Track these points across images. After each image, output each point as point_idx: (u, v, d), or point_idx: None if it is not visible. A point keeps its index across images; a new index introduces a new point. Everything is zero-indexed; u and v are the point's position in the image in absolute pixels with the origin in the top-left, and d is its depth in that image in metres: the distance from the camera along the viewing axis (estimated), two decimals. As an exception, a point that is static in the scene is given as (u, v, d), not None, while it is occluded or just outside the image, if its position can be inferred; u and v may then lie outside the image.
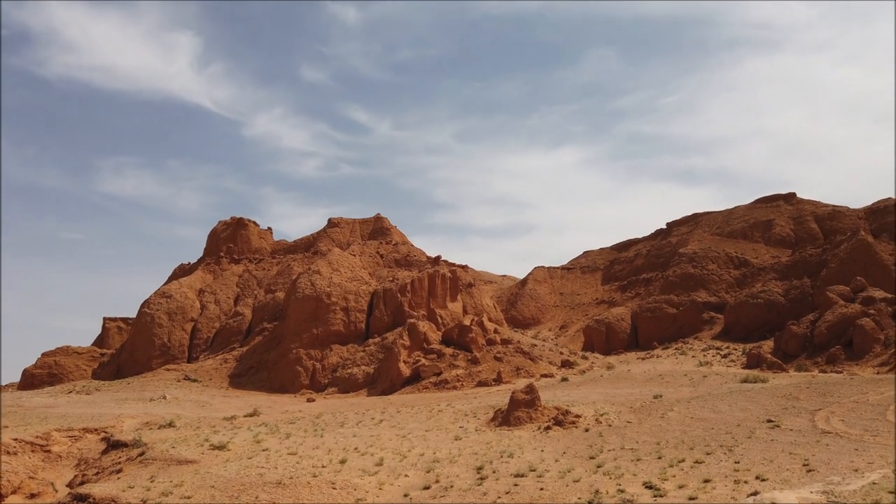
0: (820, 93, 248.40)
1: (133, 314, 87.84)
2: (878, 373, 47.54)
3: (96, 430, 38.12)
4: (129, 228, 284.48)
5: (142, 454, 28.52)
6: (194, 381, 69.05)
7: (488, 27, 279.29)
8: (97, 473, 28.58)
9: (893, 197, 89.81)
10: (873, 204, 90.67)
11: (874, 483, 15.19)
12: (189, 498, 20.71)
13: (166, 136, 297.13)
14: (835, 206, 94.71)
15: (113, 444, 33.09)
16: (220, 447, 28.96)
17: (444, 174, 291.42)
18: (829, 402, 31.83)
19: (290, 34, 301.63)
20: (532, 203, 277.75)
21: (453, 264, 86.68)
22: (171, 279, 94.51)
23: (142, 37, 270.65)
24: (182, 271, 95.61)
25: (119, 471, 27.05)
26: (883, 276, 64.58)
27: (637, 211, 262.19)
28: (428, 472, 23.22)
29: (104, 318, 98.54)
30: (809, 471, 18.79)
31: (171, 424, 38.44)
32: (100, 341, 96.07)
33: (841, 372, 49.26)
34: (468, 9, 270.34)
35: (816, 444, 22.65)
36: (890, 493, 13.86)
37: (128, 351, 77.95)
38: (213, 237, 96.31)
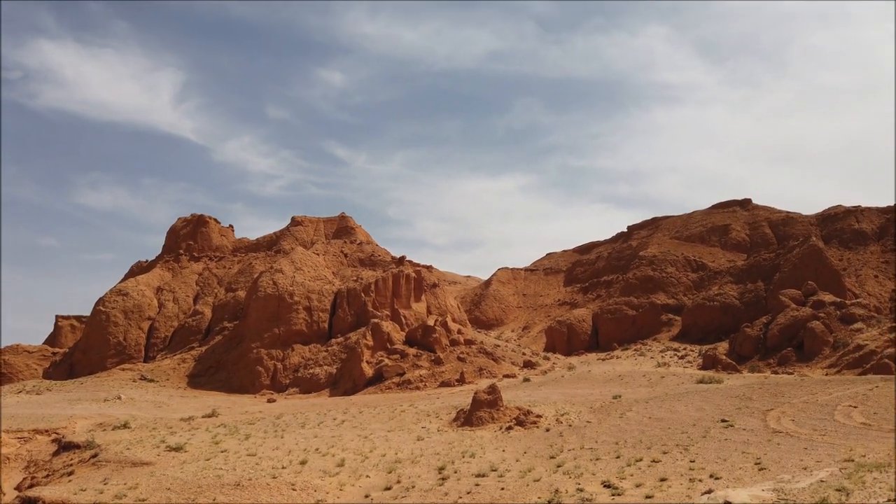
0: (720, 137, 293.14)
1: (88, 313, 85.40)
2: (826, 374, 49.25)
3: (47, 431, 36.93)
4: (101, 236, 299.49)
5: (95, 456, 27.75)
6: (151, 381, 67.47)
7: (430, 81, 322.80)
8: (47, 476, 27.71)
9: (843, 205, 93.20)
10: (824, 211, 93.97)
11: (822, 481, 15.74)
12: (144, 500, 20.25)
13: (142, 158, 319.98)
14: (788, 212, 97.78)
15: (64, 446, 32.13)
16: (177, 448, 28.38)
17: (397, 195, 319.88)
18: (781, 402, 32.83)
19: (266, 80, 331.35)
20: (479, 221, 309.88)
21: (418, 265, 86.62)
22: (127, 277, 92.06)
23: (129, 75, 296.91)
24: (139, 269, 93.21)
25: (70, 473, 26.28)
26: (832, 280, 66.93)
27: (576, 227, 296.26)
28: (389, 472, 23.17)
29: (57, 317, 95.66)
30: (761, 469, 19.36)
31: (125, 425, 37.49)
32: (52, 340, 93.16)
33: (792, 373, 50.87)
34: (413, 64, 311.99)
35: (768, 444, 23.34)
36: (837, 490, 14.37)
37: (81, 350, 75.72)
38: (173, 234, 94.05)
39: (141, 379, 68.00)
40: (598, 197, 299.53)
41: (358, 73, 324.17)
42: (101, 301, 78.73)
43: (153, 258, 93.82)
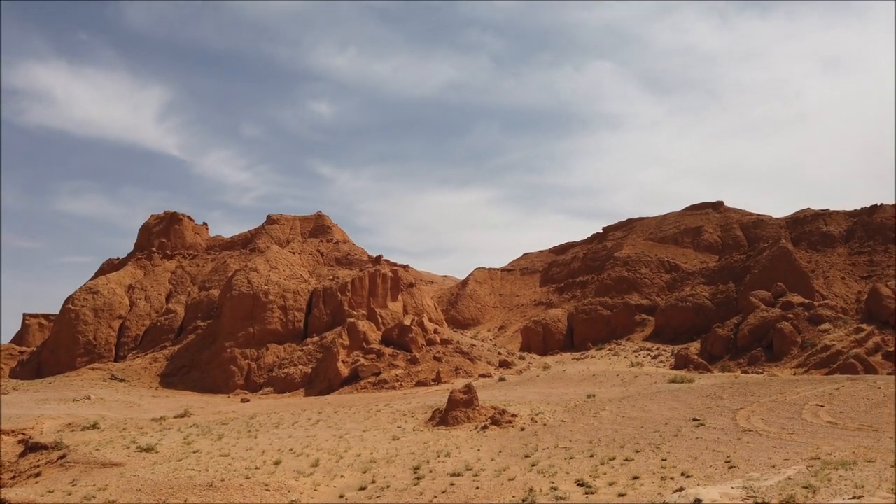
0: (665, 158, 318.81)
1: (57, 311, 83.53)
2: (795, 374, 50.28)
3: (13, 431, 36.10)
4: (79, 240, 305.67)
5: (63, 457, 27.20)
6: (121, 380, 66.33)
7: (396, 107, 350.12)
8: (13, 477, 27.09)
9: (812, 208, 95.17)
10: (794, 214, 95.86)
11: (790, 479, 16.08)
12: (113, 502, 19.90)
13: (125, 170, 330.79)
14: (759, 214, 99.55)
15: (31, 447, 31.40)
16: (148, 449, 27.96)
17: (366, 206, 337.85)
18: (750, 401, 33.44)
19: (241, 103, 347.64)
20: (446, 230, 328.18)
21: (395, 264, 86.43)
22: (98, 275, 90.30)
23: (115, 96, 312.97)
24: (111, 267, 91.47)
25: (38, 474, 25.73)
26: (801, 282, 68.31)
27: (539, 234, 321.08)
28: (364, 472, 23.11)
29: (24, 315, 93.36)
30: (731, 467, 19.71)
31: (95, 426, 36.82)
32: (19, 339, 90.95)
33: (761, 373, 51.83)
34: (380, 92, 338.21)
35: (738, 442, 23.76)
36: (804, 488, 14.69)
37: (50, 349, 74.13)
38: (145, 231, 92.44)
39: (111, 378, 66.81)
40: (556, 209, 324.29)
41: (328, 97, 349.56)
42: (70, 299, 77.15)
43: (125, 256, 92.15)
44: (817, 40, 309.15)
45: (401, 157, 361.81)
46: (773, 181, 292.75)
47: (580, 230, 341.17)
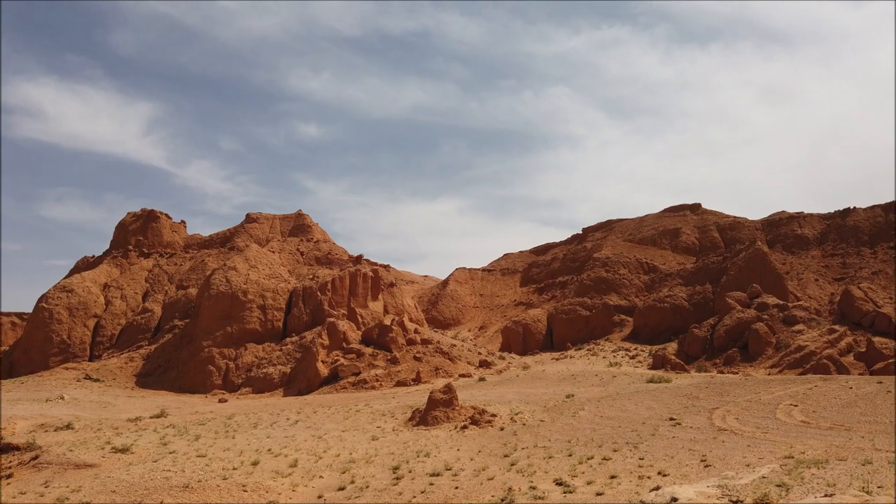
0: (623, 173, 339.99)
1: (31, 310, 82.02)
2: (769, 374, 51.09)
3: (-17, 433, 35.35)
4: (59, 243, 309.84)
5: (35, 458, 26.72)
6: (96, 380, 65.30)
7: (369, 125, 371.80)
8: (-17, 480, 26.54)
9: (787, 211, 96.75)
10: (769, 216, 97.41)
11: (764, 477, 16.34)
12: (88, 504, 19.63)
13: (109, 179, 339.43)
14: (735, 217, 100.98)
15: (3, 448, 30.78)
16: (123, 450, 27.57)
17: (342, 215, 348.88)
18: (726, 401, 33.91)
19: (222, 119, 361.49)
20: (419, 236, 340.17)
21: (375, 264, 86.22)
22: (72, 272, 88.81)
23: (104, 112, 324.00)
24: (85, 265, 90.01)
25: (10, 476, 25.25)
26: (776, 283, 69.43)
27: (509, 240, 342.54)
28: (343, 472, 23.03)
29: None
30: (707, 466, 19.98)
31: (69, 426, 36.23)
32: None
33: (737, 373, 52.57)
34: (352, 111, 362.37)
35: (713, 441, 24.09)
36: (777, 486, 14.94)
37: (22, 348, 72.71)
38: (121, 229, 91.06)
39: (86, 378, 65.75)
40: (525, 218, 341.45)
41: (304, 116, 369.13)
42: (44, 297, 75.78)
43: (101, 254, 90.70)
44: (754, 72, 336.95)
45: (375, 170, 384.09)
46: (722, 197, 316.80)
47: (548, 237, 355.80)
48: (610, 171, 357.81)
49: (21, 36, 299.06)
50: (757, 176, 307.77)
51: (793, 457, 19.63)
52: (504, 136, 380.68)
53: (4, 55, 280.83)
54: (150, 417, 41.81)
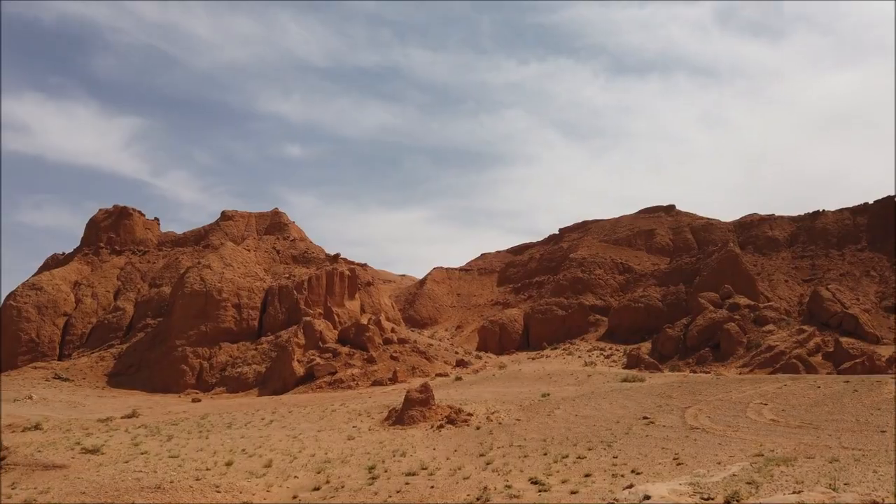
0: (575, 188, 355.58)
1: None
2: (740, 373, 51.98)
3: (-53, 434, 34.48)
4: (35, 248, 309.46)
5: (2, 459, 26.14)
6: (66, 380, 64.04)
7: (335, 142, 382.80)
8: (-53, 482, 25.89)
9: (759, 213, 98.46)
10: (741, 218, 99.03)
11: (734, 475, 16.62)
12: (56, 506, 19.26)
13: (89, 188, 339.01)
14: (709, 218, 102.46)
15: (-33, 450, 30.07)
16: (93, 451, 27.10)
17: (313, 224, 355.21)
18: (698, 400, 34.44)
19: (196, 135, 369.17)
20: (389, 243, 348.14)
21: (353, 263, 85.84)
22: (41, 270, 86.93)
23: (86, 126, 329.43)
24: (55, 262, 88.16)
25: (-26, 478, 24.65)
26: (747, 284, 70.61)
27: (479, 244, 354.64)
28: (318, 472, 22.92)
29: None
30: (679, 464, 20.29)
31: (37, 427, 35.48)
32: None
33: (709, 372, 53.40)
34: (320, 130, 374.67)
35: (686, 439, 24.46)
36: (747, 483, 15.21)
37: (-12, 347, 71.01)
38: (93, 226, 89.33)
39: (55, 378, 64.43)
40: (488, 226, 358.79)
41: (273, 132, 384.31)
42: (12, 295, 74.07)
43: (70, 251, 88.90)
44: (691, 101, 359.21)
45: (342, 182, 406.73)
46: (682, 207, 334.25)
47: (514, 242, 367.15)
48: (563, 184, 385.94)
49: (6, 56, 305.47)
50: (698, 190, 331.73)
51: (762, 455, 20.01)
52: (464, 153, 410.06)
53: None
54: (122, 418, 41.16)
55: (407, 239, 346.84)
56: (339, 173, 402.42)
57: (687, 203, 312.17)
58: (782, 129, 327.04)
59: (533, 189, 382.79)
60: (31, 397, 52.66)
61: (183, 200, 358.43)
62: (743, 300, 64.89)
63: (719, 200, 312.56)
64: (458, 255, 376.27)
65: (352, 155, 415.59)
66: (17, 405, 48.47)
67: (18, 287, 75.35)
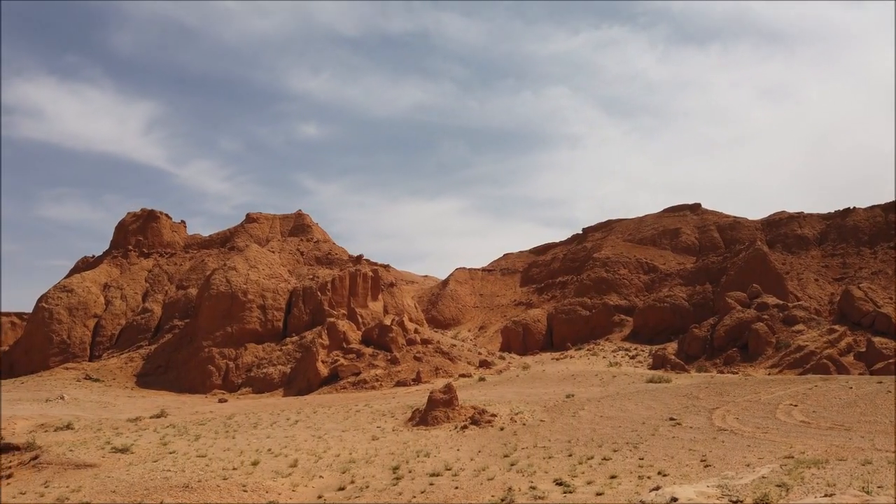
0: (621, 174, 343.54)
1: (31, 310, 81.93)
2: (769, 374, 51.08)
3: (-17, 433, 35.35)
4: (58, 244, 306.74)
5: (35, 458, 26.73)
6: (96, 380, 65.31)
7: (368, 125, 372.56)
8: (-17, 480, 26.55)
9: (787, 211, 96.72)
10: (769, 216, 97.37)
11: (764, 477, 16.32)
12: (88, 504, 19.63)
13: (108, 179, 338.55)
14: (735, 217, 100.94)
15: (3, 448, 30.79)
16: (123, 450, 27.58)
17: (342, 215, 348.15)
18: (726, 401, 33.91)
19: (221, 119, 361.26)
20: (420, 237, 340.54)
21: (375, 264, 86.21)
22: (72, 273, 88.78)
23: (102, 110, 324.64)
24: (85, 265, 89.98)
25: (10, 476, 25.26)
26: (776, 283, 69.41)
27: (509, 239, 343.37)
28: (343, 472, 23.03)
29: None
30: (707, 466, 19.98)
31: (69, 426, 36.22)
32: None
33: (737, 373, 52.57)
34: (352, 111, 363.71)
35: (713, 441, 24.09)
36: (777, 486, 14.93)
37: (22, 348, 72.71)
38: (121, 229, 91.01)
39: (86, 378, 65.76)
40: (524, 218, 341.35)
41: (303, 116, 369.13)
42: (44, 297, 75.77)
43: (100, 254, 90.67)
44: (752, 72, 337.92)
45: (374, 169, 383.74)
46: (720, 196, 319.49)
47: (548, 237, 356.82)
48: (609, 171, 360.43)
49: (20, 36, 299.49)
50: (755, 175, 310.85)
51: (793, 457, 19.62)
52: (503, 135, 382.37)
53: (4, 56, 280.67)
54: (150, 417, 41.82)
55: (439, 232, 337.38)
56: (370, 159, 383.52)
57: (742, 188, 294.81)
58: (856, 103, 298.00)
59: (575, 175, 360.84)
60: (62, 397, 53.78)
61: (206, 191, 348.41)
62: (771, 299, 63.76)
63: (777, 184, 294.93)
64: (491, 250, 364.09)
65: (383, 138, 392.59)
66: (49, 405, 49.56)
67: (50, 290, 77.02)
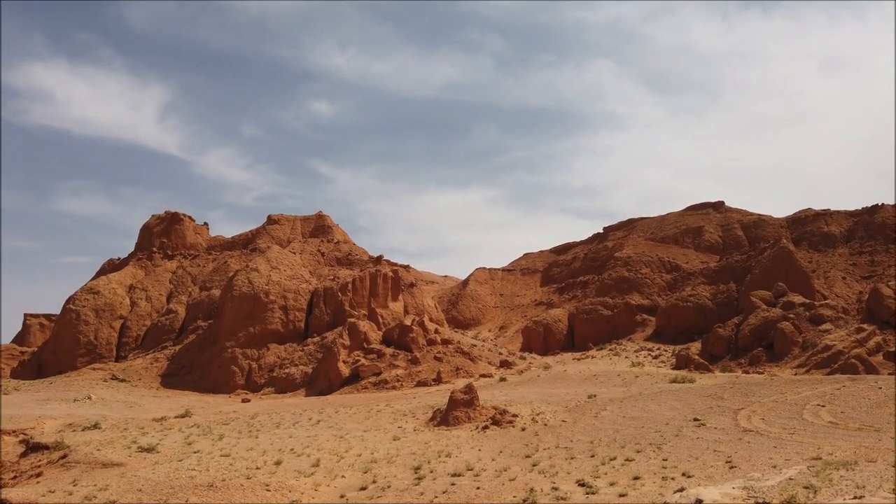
0: (663, 158, 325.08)
1: (58, 311, 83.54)
2: (795, 374, 50.24)
3: (14, 431, 36.11)
4: (77, 240, 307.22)
5: (64, 457, 27.23)
6: (122, 380, 66.38)
7: (396, 106, 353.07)
8: (14, 477, 27.12)
9: (813, 209, 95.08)
10: (795, 214, 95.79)
11: (791, 479, 16.05)
12: (114, 502, 19.93)
13: (125, 169, 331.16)
14: (760, 214, 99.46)
15: (32, 447, 31.44)
16: (149, 449, 27.98)
17: (366, 206, 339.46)
18: (751, 401, 33.42)
19: (242, 102, 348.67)
20: (445, 230, 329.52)
21: (395, 264, 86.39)
22: (98, 275, 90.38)
23: (116, 95, 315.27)
24: (111, 267, 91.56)
25: (39, 475, 25.76)
26: (802, 282, 68.25)
27: (538, 235, 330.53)
28: (365, 472, 23.11)
29: (25, 315, 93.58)
30: (732, 467, 19.71)
31: (96, 426, 36.83)
32: (20, 339, 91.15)
33: (762, 373, 51.79)
34: (380, 91, 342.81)
35: (738, 442, 23.75)
36: (805, 488, 14.67)
37: (50, 349, 74.19)
38: (146, 231, 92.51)
39: (112, 379, 66.87)
40: (556, 209, 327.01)
41: (328, 96, 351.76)
42: (71, 299, 77.22)
43: (125, 256, 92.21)
44: (819, 40, 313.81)
45: (400, 156, 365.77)
46: (773, 181, 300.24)
47: (579, 230, 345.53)
48: (651, 156, 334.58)
49: (27, 13, 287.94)
50: (810, 157, 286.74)
51: (820, 458, 19.27)
52: (539, 115, 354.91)
53: (10, 36, 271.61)
54: (175, 417, 42.36)
55: (464, 225, 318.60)
56: (397, 146, 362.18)
57: (793, 173, 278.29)
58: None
59: (615, 160, 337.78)
60: (90, 397, 54.73)
61: (227, 181, 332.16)
62: (798, 298, 62.71)
63: (843, 159, 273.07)
64: (516, 245, 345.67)
65: (412, 121, 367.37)
66: (76, 405, 50.46)
67: (77, 291, 78.47)
